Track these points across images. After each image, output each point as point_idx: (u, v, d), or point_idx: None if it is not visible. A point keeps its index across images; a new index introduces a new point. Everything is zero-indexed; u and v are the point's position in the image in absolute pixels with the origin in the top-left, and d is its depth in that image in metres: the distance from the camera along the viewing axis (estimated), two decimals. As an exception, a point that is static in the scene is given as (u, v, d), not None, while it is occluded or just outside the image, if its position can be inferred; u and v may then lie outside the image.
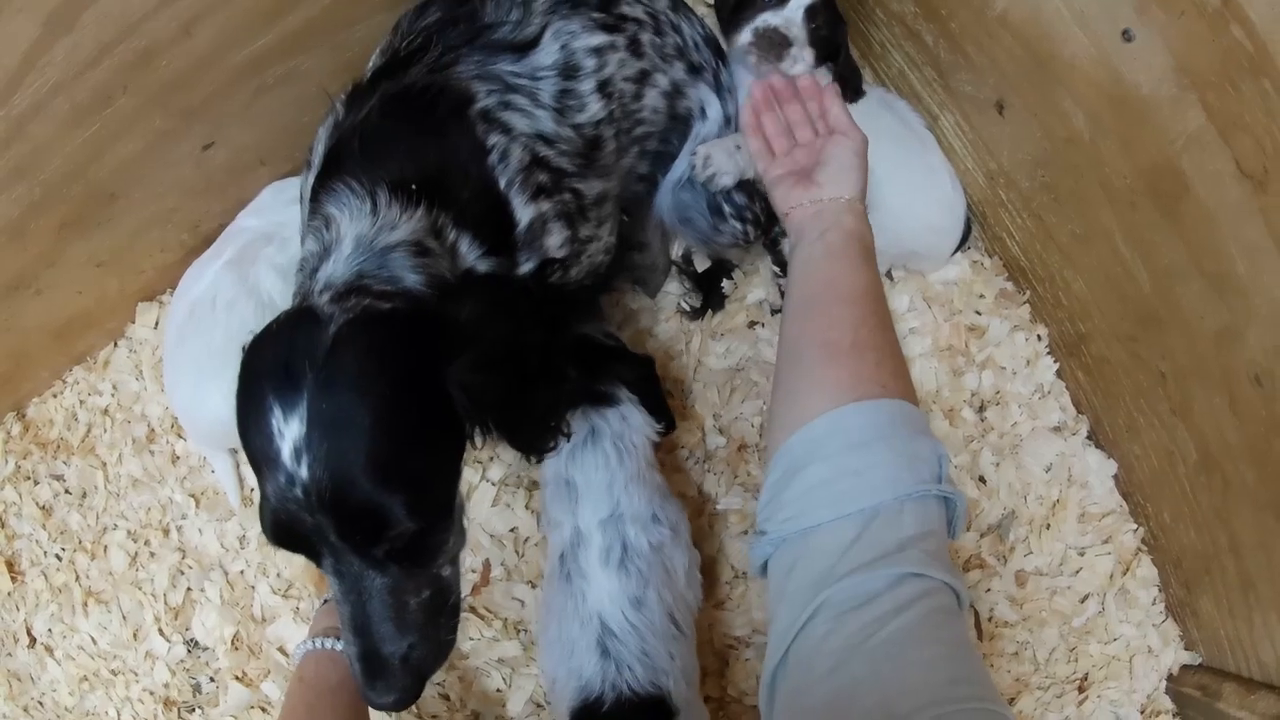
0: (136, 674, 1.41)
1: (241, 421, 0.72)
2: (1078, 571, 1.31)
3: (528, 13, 0.95)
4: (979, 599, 1.29)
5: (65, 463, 1.48)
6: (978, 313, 1.41)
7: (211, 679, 1.38)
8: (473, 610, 1.29)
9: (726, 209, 1.20)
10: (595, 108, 0.97)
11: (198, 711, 1.38)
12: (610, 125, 1.01)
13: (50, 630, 1.46)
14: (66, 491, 1.48)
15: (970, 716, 0.55)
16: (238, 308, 1.24)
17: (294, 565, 1.35)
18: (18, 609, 1.47)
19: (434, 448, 0.75)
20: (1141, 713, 1.26)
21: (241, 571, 1.37)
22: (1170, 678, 1.26)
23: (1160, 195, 0.96)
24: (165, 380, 1.35)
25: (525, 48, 0.94)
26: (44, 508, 1.48)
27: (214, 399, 1.25)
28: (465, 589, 1.28)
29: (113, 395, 1.46)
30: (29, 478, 1.49)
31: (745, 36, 1.11)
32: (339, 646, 1.01)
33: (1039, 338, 1.38)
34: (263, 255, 1.25)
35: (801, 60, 1.12)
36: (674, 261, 1.44)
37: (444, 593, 0.79)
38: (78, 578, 1.45)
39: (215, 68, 1.09)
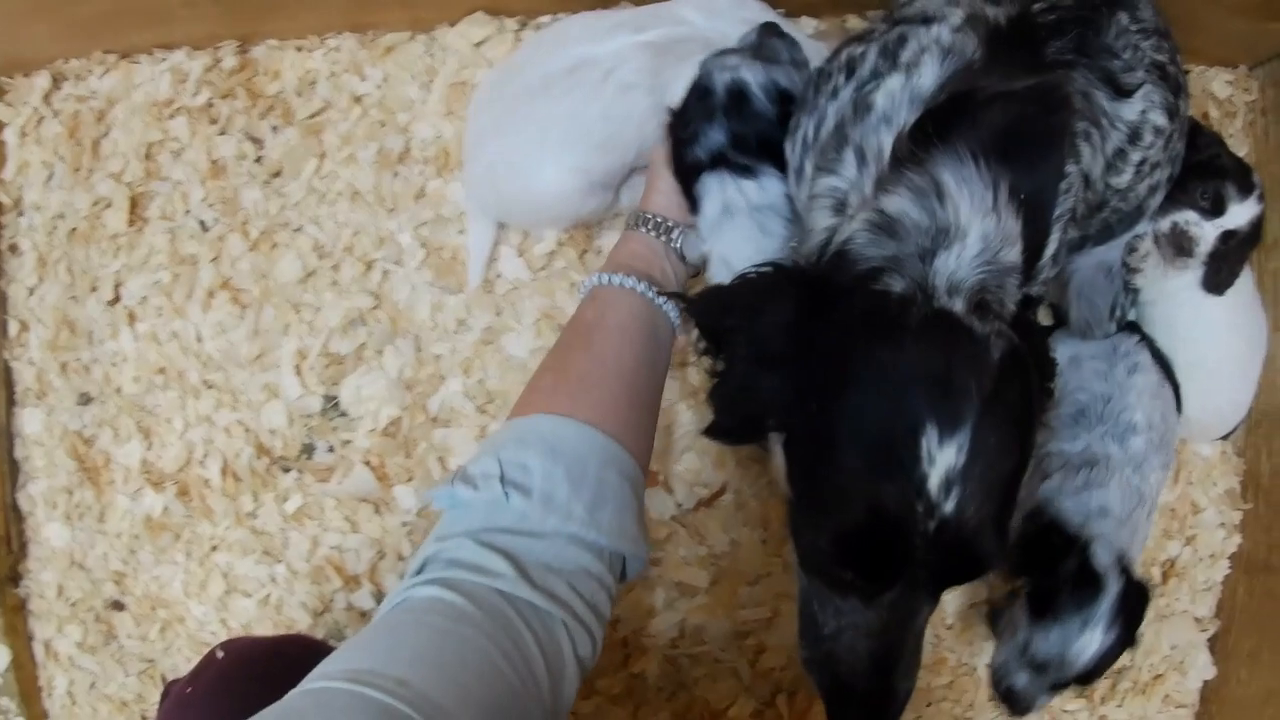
0: (237, 398, 1.16)
1: (868, 428, 0.62)
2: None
3: (1137, 59, 0.88)
4: None
5: (275, 129, 1.20)
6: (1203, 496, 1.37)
7: (332, 449, 1.15)
8: (682, 523, 1.13)
9: (1117, 312, 1.14)
10: (1125, 178, 0.92)
11: (293, 474, 1.14)
12: (1119, 198, 0.95)
13: (145, 299, 1.19)
14: (257, 160, 1.20)
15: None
16: (633, 98, 1.03)
17: (505, 380, 1.14)
18: (116, 256, 1.19)
19: None
20: None
21: (438, 356, 1.15)
22: None
23: None
24: (482, 111, 1.11)
25: (1123, 92, 0.87)
26: (216, 164, 1.20)
27: (545, 171, 1.05)
28: (691, 503, 1.13)
29: (378, 88, 1.20)
30: (215, 122, 1.20)
31: (1163, 225, 1.07)
32: (639, 287, 0.88)
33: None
34: (694, 59, 1.05)
35: (1188, 272, 1.09)
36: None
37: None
38: (216, 259, 1.18)
39: None
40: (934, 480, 0.59)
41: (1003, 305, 0.69)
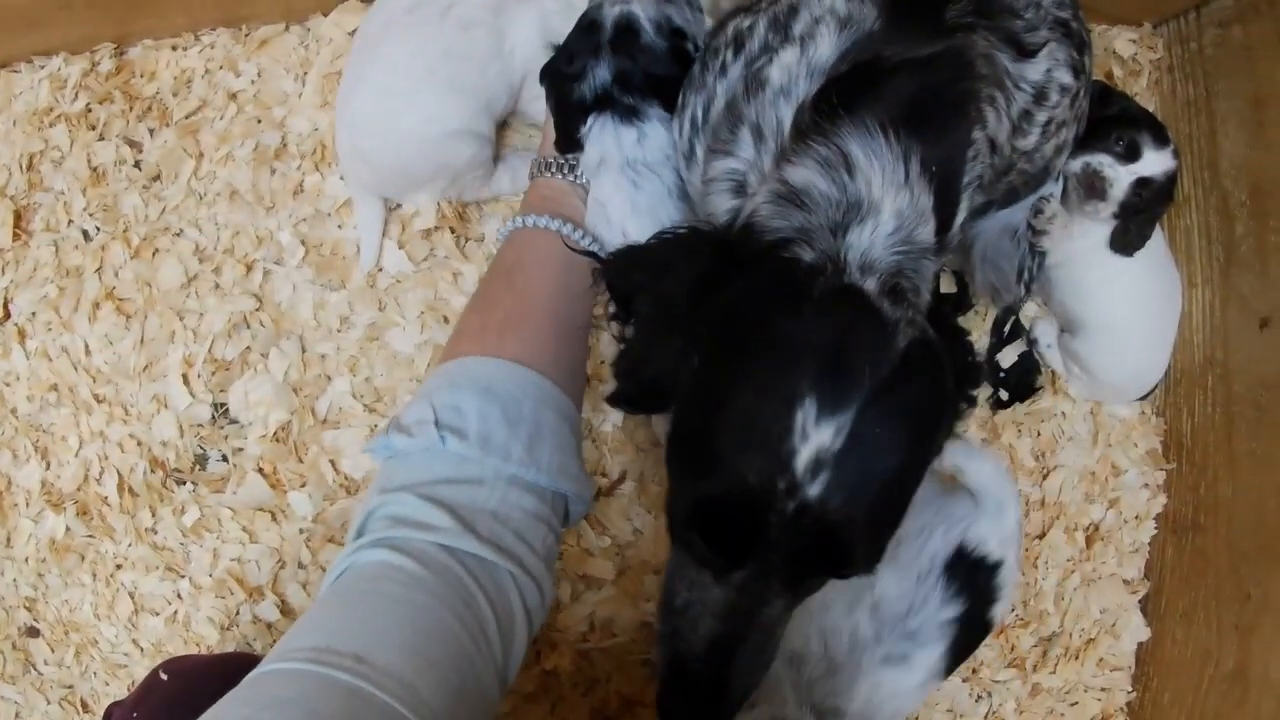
0: (128, 411, 1.13)
1: (746, 395, 0.58)
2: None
3: (1040, 18, 0.84)
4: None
5: (151, 131, 1.17)
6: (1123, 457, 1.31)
7: (225, 458, 1.12)
8: (585, 517, 1.10)
9: (1025, 276, 1.10)
10: (1031, 140, 0.88)
11: (188, 486, 1.12)
12: (1025, 160, 0.91)
13: (34, 315, 1.16)
14: (136, 165, 1.17)
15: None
16: (474, 35, 0.98)
17: (392, 376, 1.11)
18: (4, 272, 1.16)
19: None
20: None
21: (324, 356, 1.11)
22: None
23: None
24: (345, 75, 1.07)
25: (1027, 53, 0.83)
26: (96, 171, 1.17)
27: (401, 121, 1.00)
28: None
29: (253, 83, 1.17)
30: (94, 128, 1.17)
31: (1075, 165, 1.03)
32: (553, 225, 0.87)
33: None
34: (541, 8, 1.00)
35: (1098, 218, 1.04)
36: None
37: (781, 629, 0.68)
38: (100, 270, 1.15)
39: None
40: (802, 458, 0.55)
41: (918, 293, 0.66)
